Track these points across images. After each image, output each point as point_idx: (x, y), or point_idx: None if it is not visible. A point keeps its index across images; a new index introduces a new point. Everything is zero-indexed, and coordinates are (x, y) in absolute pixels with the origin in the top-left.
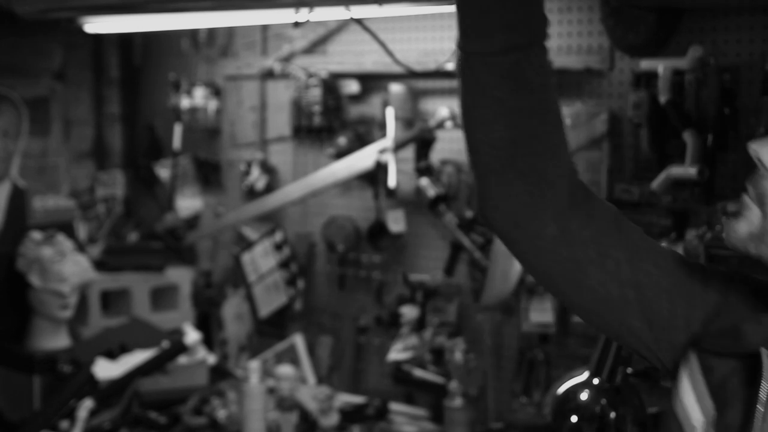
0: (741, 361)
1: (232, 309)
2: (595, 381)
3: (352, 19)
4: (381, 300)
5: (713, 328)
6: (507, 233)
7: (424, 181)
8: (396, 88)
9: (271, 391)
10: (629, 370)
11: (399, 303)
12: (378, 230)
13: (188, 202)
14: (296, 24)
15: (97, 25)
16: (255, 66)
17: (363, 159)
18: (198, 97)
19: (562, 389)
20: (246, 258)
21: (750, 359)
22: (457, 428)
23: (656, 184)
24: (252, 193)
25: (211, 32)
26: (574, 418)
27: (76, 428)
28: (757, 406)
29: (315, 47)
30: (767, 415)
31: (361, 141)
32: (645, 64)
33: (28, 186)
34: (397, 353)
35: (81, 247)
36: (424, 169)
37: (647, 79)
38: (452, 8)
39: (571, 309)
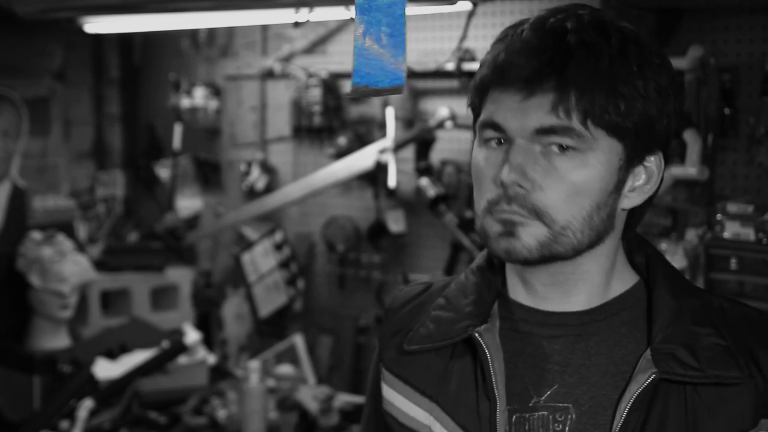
0: (437, 352)
1: (232, 309)
2: None
3: (352, 19)
4: (381, 300)
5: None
6: None
7: (424, 181)
8: None
9: (271, 391)
10: None
11: None
12: (378, 230)
13: (188, 202)
14: (296, 24)
15: (97, 25)
16: (255, 66)
17: (363, 159)
18: (198, 97)
19: None
20: (246, 258)
21: (448, 348)
22: None
23: None
24: (252, 193)
25: (211, 32)
26: None
27: (76, 428)
28: (492, 373)
29: (315, 47)
30: (498, 382)
31: (361, 141)
32: None
33: (28, 186)
34: None
35: (81, 247)
36: (424, 169)
37: None
38: (452, 8)
39: None
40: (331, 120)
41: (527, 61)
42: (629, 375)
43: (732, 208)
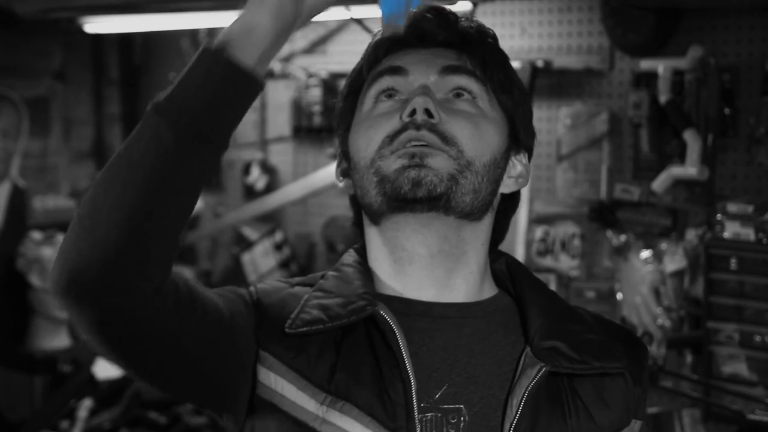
0: (323, 341)
1: None
2: None
3: (352, 19)
4: None
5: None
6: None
7: None
8: None
9: None
10: None
11: None
12: None
13: None
14: None
15: (97, 25)
16: None
17: None
18: None
19: None
20: (246, 258)
21: (335, 333)
22: None
23: (657, 184)
24: (252, 193)
25: (211, 32)
26: None
27: (76, 428)
28: (403, 350)
29: (315, 47)
30: (408, 360)
31: None
32: (645, 64)
33: (28, 186)
34: None
35: None
36: None
37: (647, 79)
38: (452, 8)
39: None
40: (331, 120)
41: (437, 30)
42: (512, 375)
43: (732, 208)
